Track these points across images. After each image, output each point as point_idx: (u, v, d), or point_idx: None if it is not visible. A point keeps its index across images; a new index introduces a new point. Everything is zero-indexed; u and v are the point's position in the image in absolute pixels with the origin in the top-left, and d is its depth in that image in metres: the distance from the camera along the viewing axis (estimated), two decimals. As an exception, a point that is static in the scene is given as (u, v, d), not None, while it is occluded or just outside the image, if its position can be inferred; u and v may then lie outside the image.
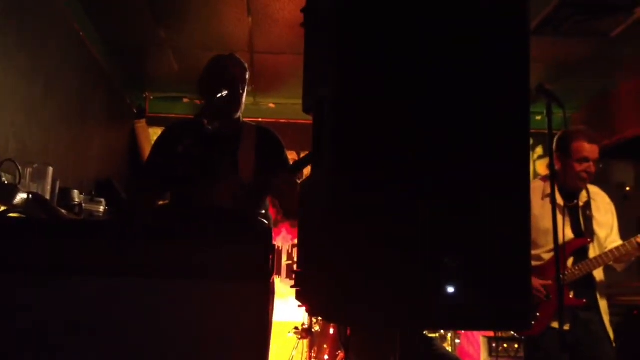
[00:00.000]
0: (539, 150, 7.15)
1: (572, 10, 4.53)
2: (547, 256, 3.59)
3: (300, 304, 1.74)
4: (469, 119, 1.42)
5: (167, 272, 1.68)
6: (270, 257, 1.75)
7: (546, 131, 2.79)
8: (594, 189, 3.76)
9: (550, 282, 3.54)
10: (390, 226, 1.34)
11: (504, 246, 1.38)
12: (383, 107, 1.39)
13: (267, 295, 1.76)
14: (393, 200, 1.35)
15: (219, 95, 2.75)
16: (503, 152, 1.43)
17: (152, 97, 7.09)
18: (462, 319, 1.38)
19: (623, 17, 4.64)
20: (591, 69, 5.78)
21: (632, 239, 3.50)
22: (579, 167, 3.58)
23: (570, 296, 3.54)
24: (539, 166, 7.14)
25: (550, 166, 2.80)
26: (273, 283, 2.19)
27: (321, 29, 1.57)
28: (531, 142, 7.04)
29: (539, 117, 6.69)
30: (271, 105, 7.06)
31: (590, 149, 3.59)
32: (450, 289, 1.33)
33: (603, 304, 3.60)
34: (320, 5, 1.61)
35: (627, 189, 6.32)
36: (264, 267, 1.71)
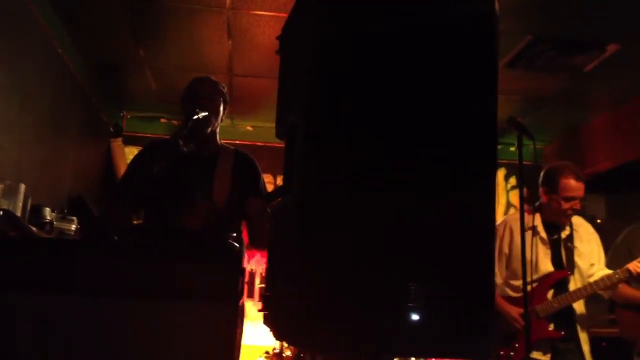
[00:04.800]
0: (513, 181, 7.24)
1: (546, 47, 4.63)
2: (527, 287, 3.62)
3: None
4: (436, 149, 1.45)
5: (133, 292, 1.67)
6: (240, 279, 1.76)
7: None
8: (576, 220, 3.80)
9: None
10: (357, 252, 1.36)
11: (468, 274, 1.41)
12: (352, 135, 1.41)
13: (235, 318, 1.76)
14: (360, 227, 1.37)
15: (195, 117, 2.75)
16: (470, 183, 1.46)
17: (129, 116, 7.08)
18: (426, 345, 1.39)
19: (596, 54, 4.75)
20: (564, 102, 5.90)
21: (623, 268, 3.53)
22: (565, 205, 3.63)
23: (550, 328, 3.58)
24: (512, 196, 7.23)
25: (520, 195, 2.87)
26: (243, 306, 2.19)
27: (295, 57, 1.60)
28: (505, 172, 7.14)
29: (512, 148, 6.85)
30: (248, 127, 7.09)
31: (577, 187, 3.63)
32: (415, 317, 1.35)
33: (583, 336, 3.63)
34: (294, 34, 1.64)
35: (598, 221, 6.42)
36: (232, 289, 1.71)
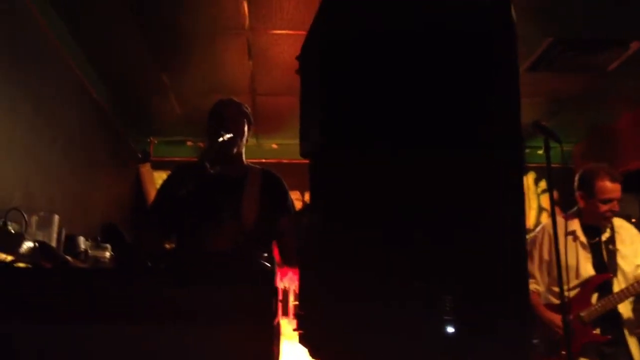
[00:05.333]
0: (543, 185, 7.16)
1: (567, 47, 4.59)
2: (569, 293, 3.56)
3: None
4: (462, 157, 1.45)
5: (170, 317, 1.69)
6: (273, 299, 1.76)
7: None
8: (618, 222, 3.76)
9: (571, 319, 3.52)
10: (388, 267, 1.36)
11: (502, 286, 1.40)
12: (375, 150, 1.42)
13: (271, 338, 1.77)
14: (389, 242, 1.37)
15: (220, 139, 2.78)
16: (498, 190, 1.45)
17: (156, 141, 7.16)
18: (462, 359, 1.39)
19: (618, 52, 4.69)
20: (590, 102, 5.83)
21: None
22: (603, 207, 3.60)
23: (595, 332, 3.53)
24: (543, 200, 7.14)
25: (550, 198, 2.85)
26: (278, 325, 2.19)
27: (313, 77, 1.62)
28: (534, 176, 7.07)
29: (540, 152, 6.73)
30: (274, 146, 7.12)
31: (613, 188, 3.60)
32: (450, 329, 1.34)
33: (632, 340, 3.57)
34: (312, 52, 1.66)
35: (633, 220, 6.31)
36: (266, 309, 1.72)
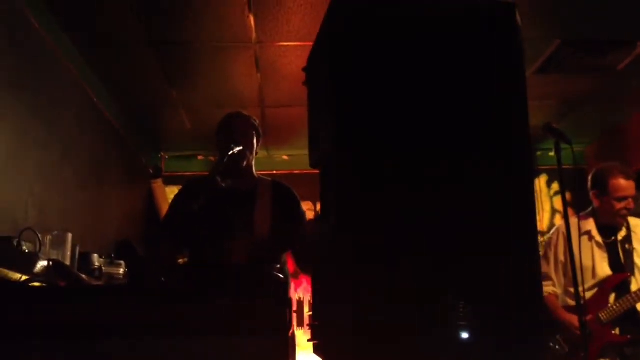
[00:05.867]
0: (555, 187, 7.12)
1: (575, 49, 4.57)
2: (587, 294, 3.54)
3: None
4: (470, 170, 1.45)
5: (184, 330, 1.69)
6: (287, 310, 1.76)
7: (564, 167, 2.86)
8: (634, 221, 3.74)
9: (589, 319, 3.51)
10: (401, 275, 1.36)
11: (516, 291, 1.39)
12: (384, 159, 1.42)
13: (287, 349, 1.77)
14: (400, 251, 1.37)
15: (230, 152, 2.79)
16: (507, 198, 1.44)
17: (167, 157, 7.19)
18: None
19: (627, 52, 4.67)
20: (600, 102, 5.81)
21: None
22: (618, 205, 3.59)
23: (614, 332, 3.50)
24: (557, 202, 7.10)
25: (563, 200, 2.83)
26: (293, 336, 2.19)
27: (321, 86, 1.62)
28: (547, 178, 7.03)
29: (552, 154, 6.69)
30: (284, 157, 7.14)
31: (627, 186, 3.59)
32: (465, 335, 1.33)
33: None
34: (318, 63, 1.66)
35: (647, 219, 6.26)
36: (281, 320, 1.72)
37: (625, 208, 3.58)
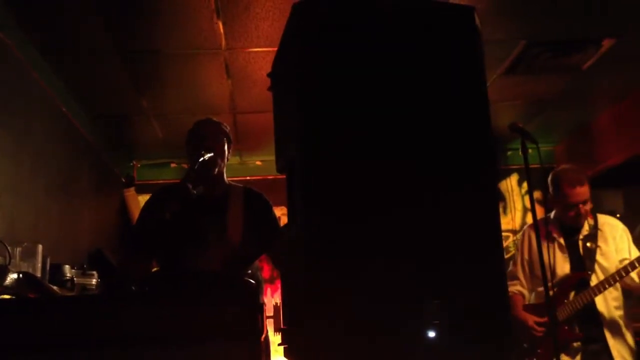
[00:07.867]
0: (526, 185, 7.20)
1: (541, 49, 4.64)
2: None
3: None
4: (435, 171, 1.47)
5: (155, 338, 1.69)
6: (259, 315, 1.77)
7: (532, 166, 2.90)
8: (603, 219, 3.78)
9: (545, 319, 3.56)
10: (367, 276, 1.37)
11: (482, 290, 1.41)
12: (348, 161, 1.43)
13: (259, 354, 1.77)
14: (365, 252, 1.38)
15: (201, 159, 2.79)
16: (472, 193, 1.47)
17: (139, 165, 7.15)
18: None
19: (592, 51, 4.75)
20: (568, 102, 5.89)
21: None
22: (571, 212, 3.64)
23: (574, 331, 3.55)
24: (528, 200, 7.18)
25: (530, 199, 2.89)
26: (267, 341, 2.19)
27: (286, 91, 1.63)
28: (517, 177, 7.12)
29: (521, 154, 6.78)
30: (257, 162, 7.13)
31: (577, 193, 3.61)
32: (432, 334, 1.35)
33: (613, 339, 3.56)
34: (283, 69, 1.67)
35: (618, 215, 6.36)
36: (252, 326, 1.72)
37: (577, 214, 3.63)
